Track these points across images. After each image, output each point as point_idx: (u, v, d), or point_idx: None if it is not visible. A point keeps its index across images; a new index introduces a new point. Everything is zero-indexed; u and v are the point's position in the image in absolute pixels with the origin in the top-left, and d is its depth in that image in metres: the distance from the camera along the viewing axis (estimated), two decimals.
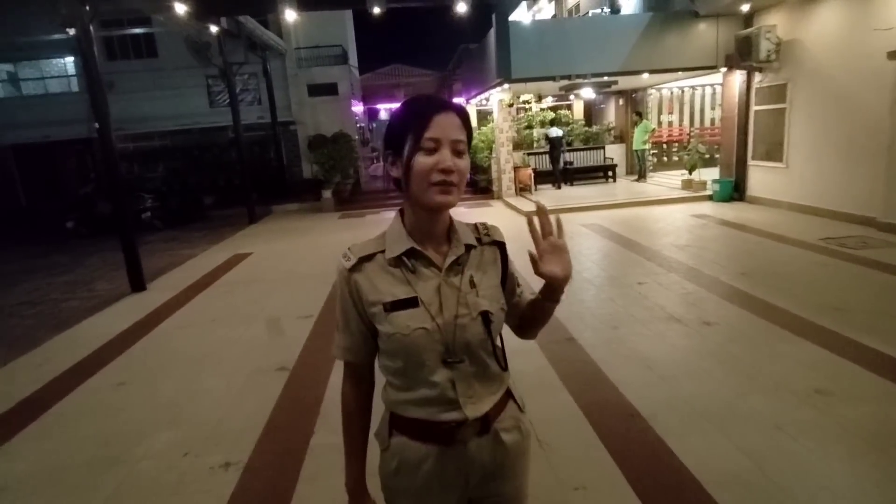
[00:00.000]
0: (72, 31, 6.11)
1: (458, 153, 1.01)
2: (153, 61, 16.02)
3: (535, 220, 1.08)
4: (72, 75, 16.48)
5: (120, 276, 6.83)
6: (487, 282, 1.12)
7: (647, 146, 12.67)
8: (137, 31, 15.37)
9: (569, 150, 13.25)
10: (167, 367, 4.15)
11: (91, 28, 6.13)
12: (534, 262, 1.07)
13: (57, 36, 13.16)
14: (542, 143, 13.57)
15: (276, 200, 14.16)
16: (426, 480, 1.11)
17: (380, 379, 1.19)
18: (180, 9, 8.71)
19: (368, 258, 1.08)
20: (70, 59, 16.26)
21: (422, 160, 1.00)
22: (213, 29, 11.20)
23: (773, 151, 8.83)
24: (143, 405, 3.51)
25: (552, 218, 1.08)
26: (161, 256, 8.63)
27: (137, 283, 6.51)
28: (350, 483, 1.20)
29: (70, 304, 6.26)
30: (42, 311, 6.12)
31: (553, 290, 1.10)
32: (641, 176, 12.76)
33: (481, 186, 12.99)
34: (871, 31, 6.69)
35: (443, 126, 1.00)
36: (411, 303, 1.04)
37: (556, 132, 12.61)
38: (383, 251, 1.08)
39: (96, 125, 6.25)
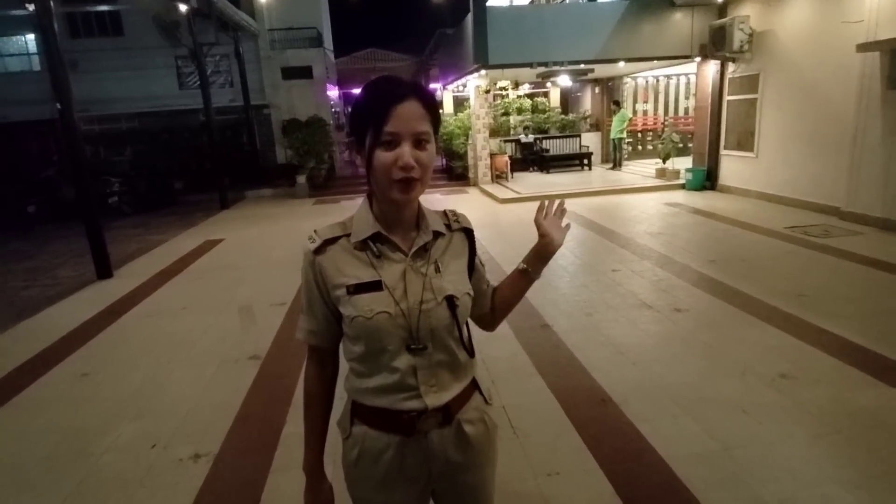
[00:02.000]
0: (31, 7, 5.81)
1: (420, 144, 0.98)
2: (119, 40, 15.35)
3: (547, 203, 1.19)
4: (32, 53, 15.70)
5: (85, 262, 6.61)
6: (454, 267, 1.11)
7: (624, 135, 12.78)
8: (102, 8, 14.70)
9: (544, 138, 13.45)
10: (134, 356, 4.04)
11: (51, 4, 5.84)
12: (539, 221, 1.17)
13: (15, 11, 12.51)
14: (519, 130, 13.73)
15: (249, 186, 13.87)
16: (387, 470, 1.10)
17: (343, 366, 1.17)
18: None
19: (333, 241, 1.06)
20: (30, 37, 15.49)
21: (382, 155, 0.96)
22: (182, 7, 10.81)
23: (745, 141, 9.00)
24: (108, 396, 3.41)
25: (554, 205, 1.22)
26: (129, 242, 8.37)
27: (103, 270, 6.30)
28: (307, 465, 1.19)
29: (31, 292, 6.04)
30: (0, 299, 5.89)
31: (541, 257, 1.17)
32: (617, 164, 12.89)
33: (457, 173, 12.94)
34: (840, 23, 6.82)
35: (403, 118, 0.95)
36: (375, 286, 1.02)
37: (525, 139, 13.38)
38: (348, 234, 1.06)
39: (58, 106, 5.99)
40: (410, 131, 0.96)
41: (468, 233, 1.17)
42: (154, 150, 15.46)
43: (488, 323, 1.28)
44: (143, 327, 4.67)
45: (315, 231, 1.08)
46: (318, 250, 1.06)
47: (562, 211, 1.20)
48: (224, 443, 2.80)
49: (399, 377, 1.04)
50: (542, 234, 1.15)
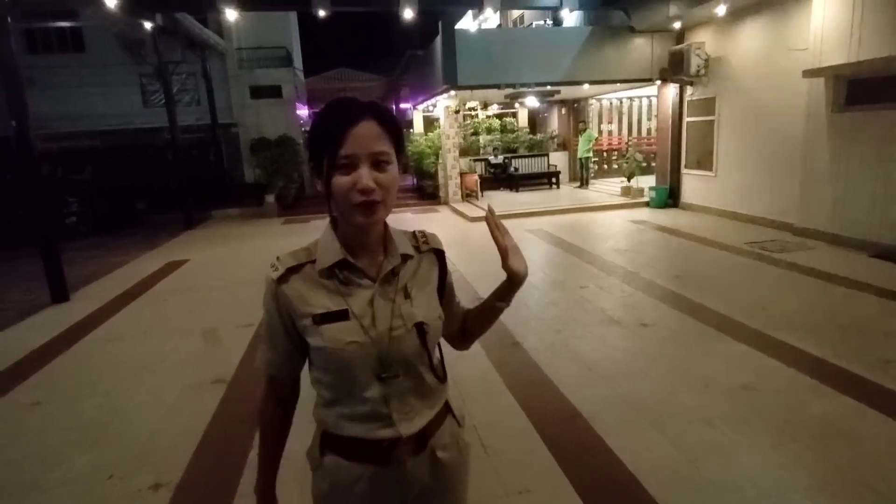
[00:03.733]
0: None
1: (380, 165, 0.95)
2: (80, 56, 14.97)
3: (491, 221, 1.06)
4: None
5: (39, 285, 6.32)
6: (424, 292, 1.08)
7: (590, 154, 13.13)
8: (63, 24, 14.37)
9: (513, 158, 13.72)
10: (91, 383, 3.86)
11: (8, 19, 5.69)
12: (502, 257, 1.06)
13: None
14: (489, 150, 13.98)
15: (216, 205, 13.59)
16: (360, 501, 1.06)
17: (311, 395, 1.13)
18: (111, 2, 8.20)
19: (297, 269, 1.02)
20: None
21: (340, 180, 0.93)
22: (148, 25, 10.65)
23: (704, 161, 9.36)
24: (61, 426, 3.24)
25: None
26: (87, 264, 8.07)
27: (59, 293, 6.05)
28: (260, 488, 1.17)
29: None
30: None
31: (511, 288, 1.09)
32: (584, 183, 13.20)
33: (428, 192, 13.01)
34: (787, 50, 7.24)
35: (359, 139, 0.92)
36: (342, 315, 0.99)
37: (495, 160, 13.63)
38: (313, 261, 1.02)
39: (13, 123, 5.79)
40: (367, 152, 0.93)
41: (439, 254, 1.14)
42: (116, 168, 15.03)
43: (460, 343, 1.26)
44: (101, 353, 4.48)
45: (278, 258, 1.04)
46: (282, 279, 1.01)
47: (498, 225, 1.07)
48: (186, 470, 2.69)
49: (370, 407, 1.01)
50: (507, 268, 1.06)
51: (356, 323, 0.99)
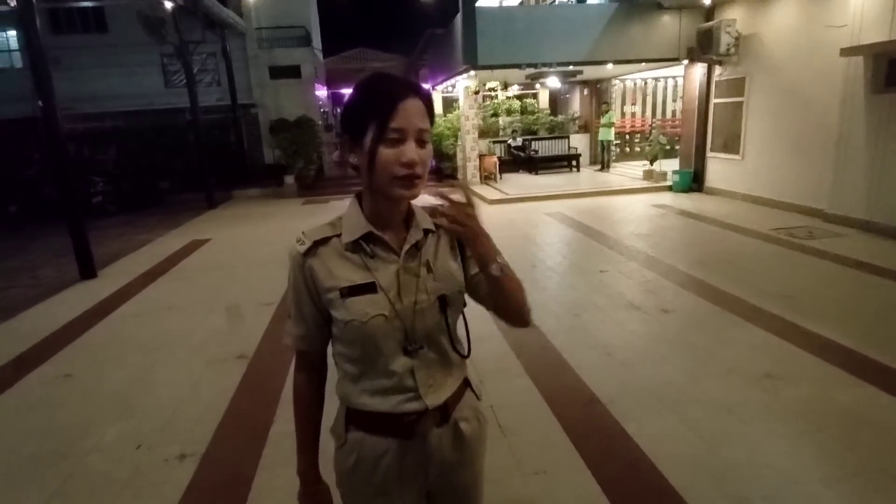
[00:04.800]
0: (13, 3, 5.71)
1: (421, 142, 0.96)
2: (103, 36, 15.13)
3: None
4: (14, 50, 15.45)
5: (68, 262, 6.50)
6: (445, 265, 1.09)
7: (612, 136, 12.89)
8: (86, 4, 14.49)
9: (533, 140, 13.55)
10: (119, 357, 3.98)
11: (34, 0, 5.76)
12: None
13: None
14: (508, 132, 13.82)
15: (237, 185, 13.74)
16: (385, 475, 1.08)
17: (333, 372, 1.15)
18: None
19: (323, 242, 1.04)
20: (12, 33, 15.24)
21: (385, 152, 0.94)
22: (168, 4, 10.69)
23: (731, 144, 9.11)
24: (92, 397, 3.36)
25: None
26: (114, 242, 8.26)
27: (87, 270, 6.21)
28: (302, 469, 1.17)
29: (11, 293, 5.92)
30: None
31: (476, 255, 1.01)
32: (605, 166, 12.98)
33: (446, 174, 12.95)
34: (824, 27, 6.94)
35: (408, 114, 0.94)
36: (369, 288, 1.00)
37: (514, 143, 13.62)
38: (338, 235, 1.04)
39: (40, 104, 5.89)
40: (414, 128, 0.95)
41: None
42: (140, 148, 15.27)
43: (510, 320, 1.15)
44: (128, 327, 4.61)
45: (303, 232, 1.05)
46: (308, 252, 1.03)
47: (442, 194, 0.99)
48: (211, 442, 2.77)
49: (397, 380, 1.03)
50: (460, 237, 1.01)
51: (383, 296, 1.00)
